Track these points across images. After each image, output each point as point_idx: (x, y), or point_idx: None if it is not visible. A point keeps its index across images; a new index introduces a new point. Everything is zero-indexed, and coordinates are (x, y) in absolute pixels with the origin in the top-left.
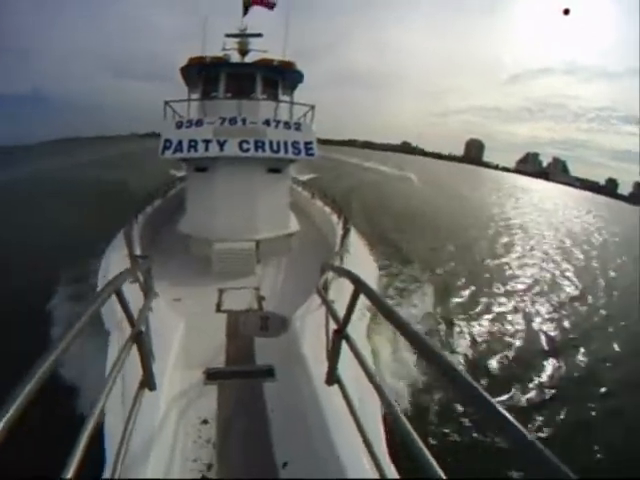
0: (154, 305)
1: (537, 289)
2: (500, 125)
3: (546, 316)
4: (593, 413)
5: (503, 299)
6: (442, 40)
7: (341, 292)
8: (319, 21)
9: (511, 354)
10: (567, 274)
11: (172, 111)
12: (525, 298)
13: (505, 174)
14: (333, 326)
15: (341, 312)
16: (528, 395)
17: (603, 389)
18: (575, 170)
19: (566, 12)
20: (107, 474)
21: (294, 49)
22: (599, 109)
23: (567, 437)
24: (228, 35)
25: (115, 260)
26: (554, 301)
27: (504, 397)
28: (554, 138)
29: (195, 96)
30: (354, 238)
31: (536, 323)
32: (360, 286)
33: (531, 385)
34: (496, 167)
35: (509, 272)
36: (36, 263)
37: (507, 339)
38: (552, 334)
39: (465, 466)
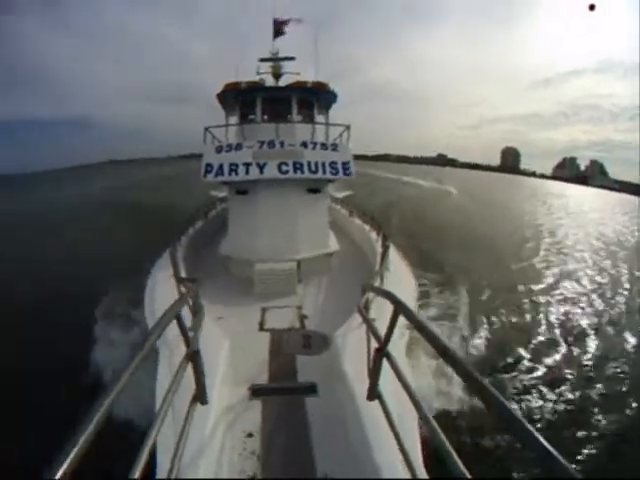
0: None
1: (558, 287)
2: (537, 132)
3: (561, 310)
4: (593, 392)
5: (522, 295)
6: (471, 49)
7: (382, 311)
8: (347, 38)
9: (525, 341)
10: (590, 272)
11: (212, 135)
12: (544, 295)
13: (542, 181)
14: (374, 344)
15: (382, 330)
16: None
17: (608, 372)
18: (616, 172)
19: (592, 8)
20: None
21: (324, 67)
22: (636, 107)
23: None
24: (262, 59)
25: (161, 281)
26: (573, 296)
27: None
28: (592, 140)
29: (232, 119)
30: (393, 255)
31: (552, 316)
32: (400, 307)
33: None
34: (533, 174)
35: (534, 274)
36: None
37: (521, 329)
38: (566, 325)
39: None
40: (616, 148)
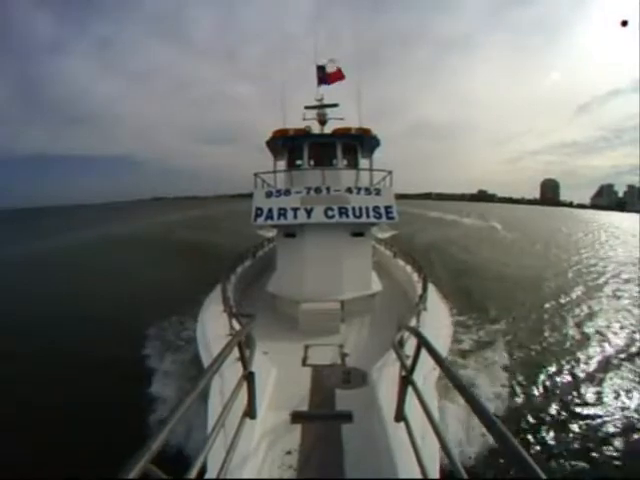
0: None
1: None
2: (578, 159)
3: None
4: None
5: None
6: (512, 82)
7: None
8: (389, 76)
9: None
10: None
11: (261, 180)
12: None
13: (580, 211)
14: None
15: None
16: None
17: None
18: None
19: (624, 24)
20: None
21: (367, 106)
22: None
23: None
24: (307, 107)
25: (212, 314)
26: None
27: None
28: (635, 164)
29: (280, 163)
30: (432, 296)
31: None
32: (422, 341)
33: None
34: (570, 205)
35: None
36: None
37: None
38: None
39: None
40: None
